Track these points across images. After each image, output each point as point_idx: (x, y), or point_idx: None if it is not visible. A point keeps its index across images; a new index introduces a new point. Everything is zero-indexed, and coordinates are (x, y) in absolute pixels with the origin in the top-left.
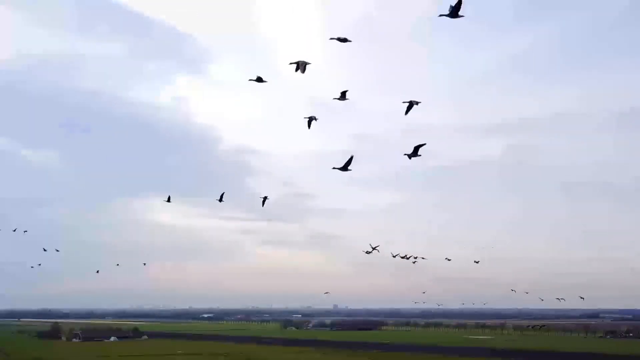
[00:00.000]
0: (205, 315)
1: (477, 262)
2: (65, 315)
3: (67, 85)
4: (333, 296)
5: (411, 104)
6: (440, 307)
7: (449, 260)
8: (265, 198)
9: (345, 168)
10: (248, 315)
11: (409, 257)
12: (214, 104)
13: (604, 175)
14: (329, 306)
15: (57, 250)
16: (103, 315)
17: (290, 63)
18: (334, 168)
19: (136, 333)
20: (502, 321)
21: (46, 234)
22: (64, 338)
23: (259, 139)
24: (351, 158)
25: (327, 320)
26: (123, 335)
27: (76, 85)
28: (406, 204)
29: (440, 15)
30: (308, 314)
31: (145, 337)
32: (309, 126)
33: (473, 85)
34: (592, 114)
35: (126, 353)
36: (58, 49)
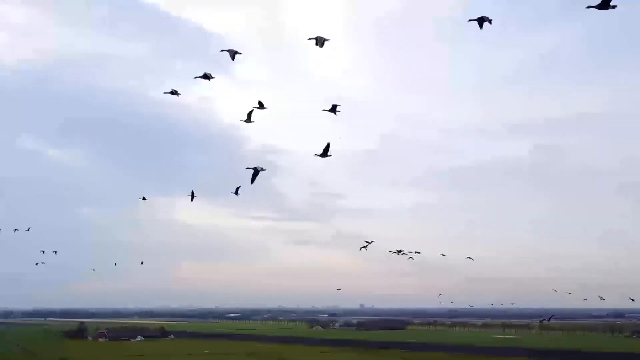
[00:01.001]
0: (232, 315)
1: (472, 259)
2: (92, 314)
3: (93, 84)
4: (359, 295)
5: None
6: (472, 307)
7: (471, 259)
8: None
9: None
10: (275, 315)
11: (404, 252)
12: (239, 103)
13: (630, 176)
14: (355, 306)
15: (55, 252)
16: (129, 314)
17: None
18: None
19: (162, 333)
20: (528, 321)
21: (72, 233)
22: (90, 338)
23: (285, 138)
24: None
25: (354, 320)
26: (149, 334)
27: (103, 84)
28: (433, 204)
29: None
30: (334, 314)
31: (172, 336)
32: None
33: (499, 85)
34: (619, 114)
35: (152, 353)
36: (85, 48)
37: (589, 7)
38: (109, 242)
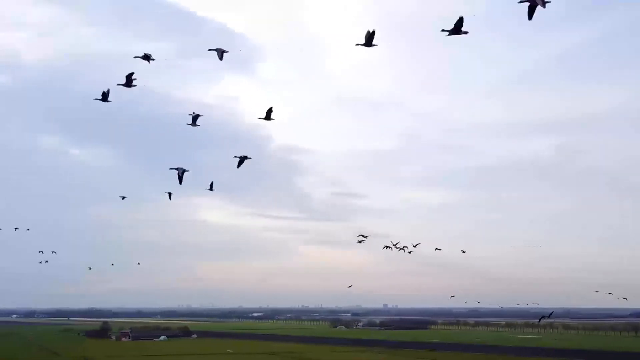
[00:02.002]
0: (255, 315)
1: (464, 252)
2: (114, 314)
3: (115, 84)
4: (383, 295)
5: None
6: (502, 308)
7: (463, 252)
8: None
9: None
10: (298, 315)
11: (399, 247)
12: (262, 102)
13: None
14: (378, 305)
15: (54, 252)
16: (152, 314)
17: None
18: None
19: (186, 332)
20: (551, 320)
21: (93, 232)
22: (113, 337)
23: (308, 138)
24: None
25: (377, 320)
26: (172, 334)
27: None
28: (454, 204)
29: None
30: (357, 313)
31: (195, 336)
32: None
33: (519, 85)
34: (638, 113)
35: (176, 352)
36: (106, 47)
37: (443, 30)
38: (131, 242)
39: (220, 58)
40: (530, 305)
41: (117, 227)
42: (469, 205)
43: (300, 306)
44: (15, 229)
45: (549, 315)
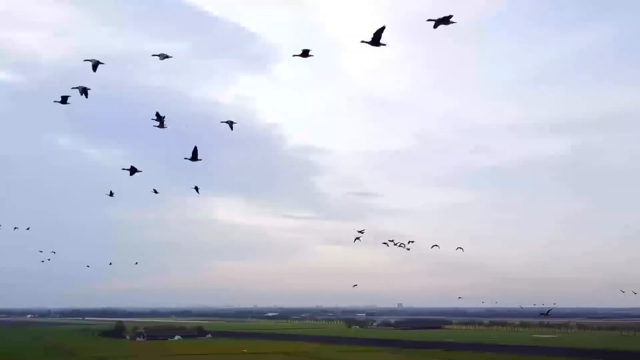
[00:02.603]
0: (270, 314)
1: (461, 249)
2: (129, 314)
3: (131, 83)
4: (397, 295)
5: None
6: (522, 308)
7: (461, 249)
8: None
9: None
10: (313, 314)
11: (400, 244)
12: (278, 102)
13: None
14: (393, 305)
15: (54, 252)
16: (167, 313)
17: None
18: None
19: (200, 332)
20: (567, 320)
21: (109, 233)
22: (127, 337)
23: (324, 137)
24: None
25: (391, 319)
26: (187, 334)
27: (141, 83)
28: (468, 204)
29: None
30: (372, 313)
31: (210, 336)
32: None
33: (533, 85)
34: None
35: (191, 352)
36: (122, 47)
37: (362, 42)
38: (147, 242)
39: (162, 59)
40: (548, 305)
41: (133, 227)
42: (484, 205)
43: (314, 306)
44: (15, 228)
45: (547, 313)
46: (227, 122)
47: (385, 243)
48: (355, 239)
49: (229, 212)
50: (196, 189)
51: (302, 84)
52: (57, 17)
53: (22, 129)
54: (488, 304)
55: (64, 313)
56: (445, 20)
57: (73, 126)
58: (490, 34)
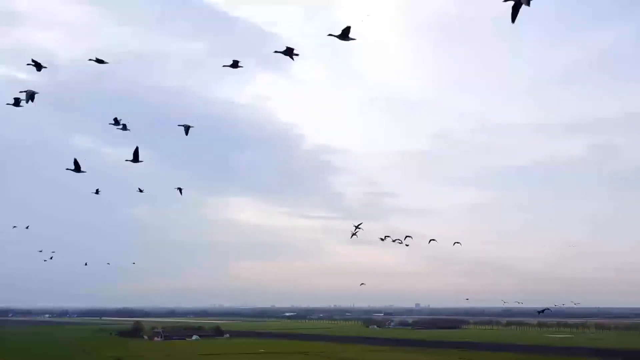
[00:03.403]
0: (288, 314)
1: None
2: (147, 313)
3: (149, 83)
4: (415, 295)
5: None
6: (556, 307)
7: (459, 244)
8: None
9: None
10: (330, 314)
11: (393, 238)
12: (295, 102)
13: None
14: (411, 305)
15: (53, 252)
16: (184, 313)
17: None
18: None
19: (218, 332)
20: (584, 320)
21: (126, 233)
22: (145, 337)
23: (341, 137)
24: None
25: (409, 319)
26: (205, 334)
27: (158, 83)
28: (488, 203)
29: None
30: (390, 313)
31: (227, 335)
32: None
33: (554, 84)
34: None
35: (208, 352)
36: (140, 47)
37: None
38: (164, 242)
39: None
40: (568, 305)
41: (151, 227)
42: (505, 205)
43: (332, 306)
44: (14, 227)
45: (543, 311)
46: (183, 125)
47: (382, 239)
48: (352, 235)
49: (247, 212)
50: (179, 190)
51: (319, 84)
52: (76, 16)
53: (40, 129)
54: (510, 304)
55: (81, 313)
56: (345, 37)
57: (90, 126)
58: (512, 33)
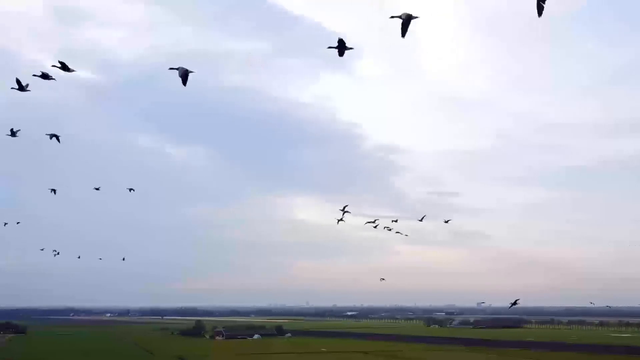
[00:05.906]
0: (349, 313)
1: (447, 221)
2: (208, 313)
3: (211, 82)
4: (476, 294)
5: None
6: (612, 307)
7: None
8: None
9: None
10: (392, 313)
11: (388, 228)
12: (358, 101)
13: None
14: (472, 304)
15: (55, 251)
16: (246, 313)
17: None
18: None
19: (280, 331)
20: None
21: (189, 231)
22: (207, 336)
23: (403, 136)
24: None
25: (471, 318)
26: (266, 333)
27: (220, 82)
28: (548, 203)
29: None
30: (451, 312)
31: (289, 334)
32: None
33: (615, 83)
34: None
35: (270, 351)
36: (201, 46)
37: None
38: (227, 241)
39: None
40: (633, 304)
41: (213, 226)
42: (563, 205)
43: (394, 305)
44: (5, 224)
45: (515, 303)
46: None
47: (370, 222)
48: (338, 221)
49: (308, 211)
50: (130, 190)
51: (381, 83)
52: (137, 15)
53: (99, 127)
54: (584, 304)
55: (143, 312)
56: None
57: (151, 125)
58: (569, 32)
